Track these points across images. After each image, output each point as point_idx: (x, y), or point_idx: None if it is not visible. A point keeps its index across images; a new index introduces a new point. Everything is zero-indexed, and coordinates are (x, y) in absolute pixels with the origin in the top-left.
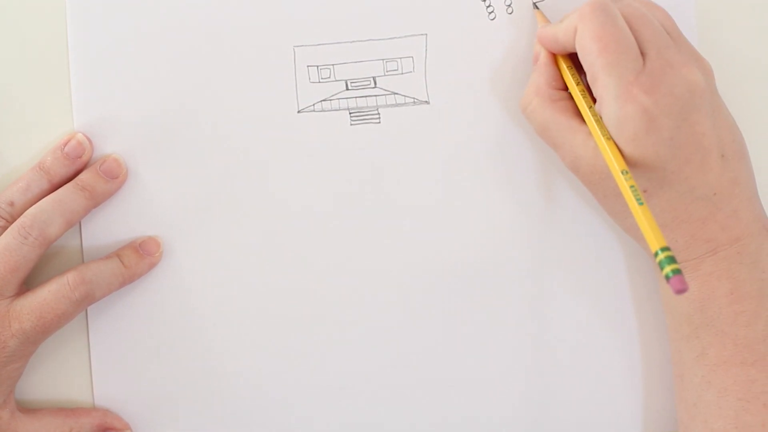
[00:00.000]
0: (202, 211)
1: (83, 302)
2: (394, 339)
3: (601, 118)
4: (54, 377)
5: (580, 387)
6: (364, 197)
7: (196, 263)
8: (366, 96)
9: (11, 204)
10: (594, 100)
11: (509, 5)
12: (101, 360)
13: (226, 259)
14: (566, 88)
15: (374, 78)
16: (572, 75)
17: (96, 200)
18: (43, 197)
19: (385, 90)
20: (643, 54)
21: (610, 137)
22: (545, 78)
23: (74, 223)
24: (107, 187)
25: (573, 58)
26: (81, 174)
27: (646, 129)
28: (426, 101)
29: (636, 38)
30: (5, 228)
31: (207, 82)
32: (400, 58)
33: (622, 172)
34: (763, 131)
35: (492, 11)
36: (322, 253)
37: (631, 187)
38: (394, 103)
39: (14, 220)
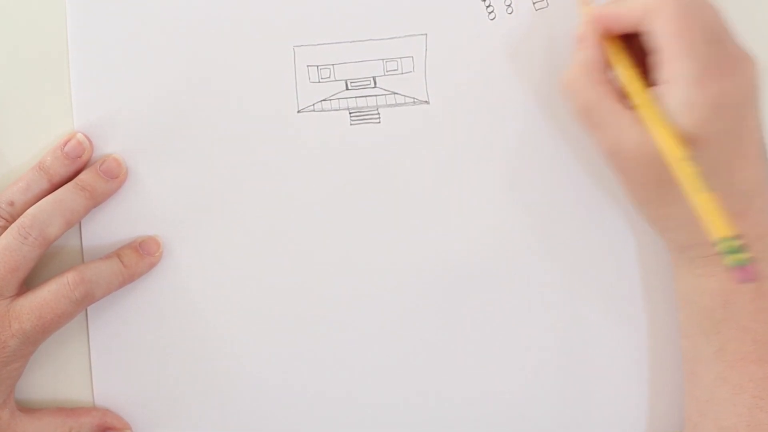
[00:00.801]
0: (202, 211)
1: (83, 302)
2: (395, 339)
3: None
4: (54, 377)
5: (585, 385)
6: (364, 197)
7: (196, 263)
8: (366, 96)
9: (11, 204)
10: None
11: (509, 5)
12: (101, 360)
13: (226, 259)
14: (611, 71)
15: (374, 78)
16: (625, 59)
17: (96, 200)
18: (43, 197)
19: (385, 90)
20: (715, 42)
21: (666, 123)
22: (594, 58)
23: (74, 223)
24: (107, 187)
25: (623, 41)
26: (81, 174)
27: (714, 116)
28: (426, 101)
29: (710, 25)
30: (5, 228)
31: (207, 82)
32: (400, 58)
33: (683, 159)
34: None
35: (492, 11)
36: (322, 252)
37: (693, 173)
38: (394, 103)
39: (14, 220)
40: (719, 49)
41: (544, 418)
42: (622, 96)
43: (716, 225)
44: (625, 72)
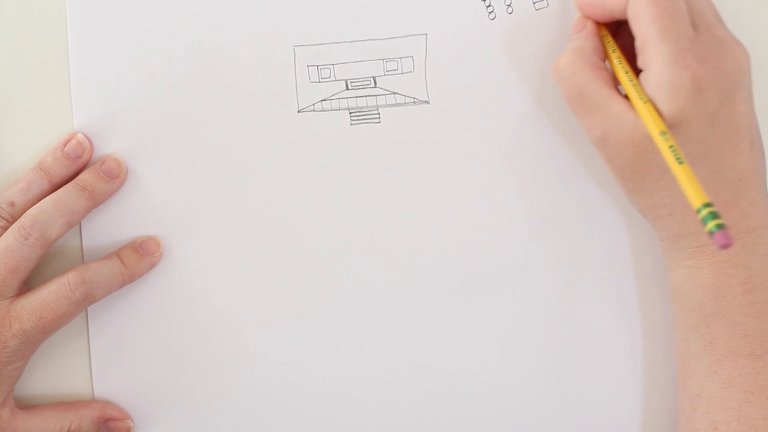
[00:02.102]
0: (202, 211)
1: (83, 302)
2: (393, 338)
3: (642, 87)
4: (54, 377)
5: (581, 382)
6: (364, 197)
7: (196, 263)
8: (366, 96)
9: (12, 204)
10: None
11: (509, 5)
12: (101, 360)
13: (225, 259)
14: (605, 60)
15: (374, 78)
16: (611, 43)
17: (96, 200)
18: (44, 197)
19: (385, 90)
20: (693, 26)
21: (648, 101)
22: (590, 45)
23: (75, 223)
24: (107, 187)
25: (611, 30)
26: (81, 174)
27: (695, 99)
28: (426, 101)
29: (689, 10)
30: (6, 228)
31: (207, 82)
32: (400, 57)
33: (661, 133)
34: (763, 129)
35: (492, 11)
36: (322, 252)
37: (671, 147)
38: (394, 102)
39: (15, 220)
40: (702, 33)
41: (538, 416)
42: (617, 83)
43: (692, 194)
44: (613, 57)
